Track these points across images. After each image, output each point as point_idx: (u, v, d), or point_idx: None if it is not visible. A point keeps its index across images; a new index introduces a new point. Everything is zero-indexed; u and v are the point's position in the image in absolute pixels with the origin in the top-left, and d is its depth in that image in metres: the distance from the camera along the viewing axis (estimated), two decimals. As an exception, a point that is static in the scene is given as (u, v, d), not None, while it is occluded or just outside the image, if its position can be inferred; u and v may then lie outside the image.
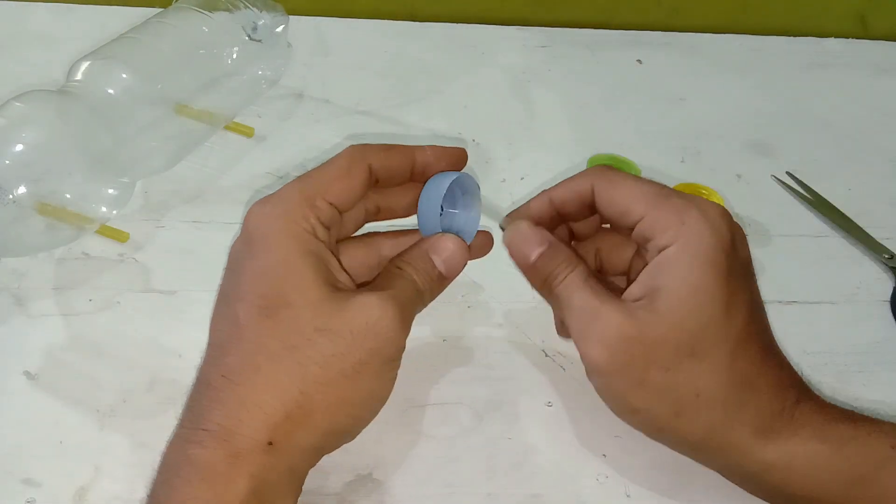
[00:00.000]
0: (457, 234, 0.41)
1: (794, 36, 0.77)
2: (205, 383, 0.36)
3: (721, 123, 0.67)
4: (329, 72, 0.68)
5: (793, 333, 0.49)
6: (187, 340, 0.46)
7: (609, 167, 0.41)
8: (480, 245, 0.43)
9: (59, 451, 0.41)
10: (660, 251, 0.37)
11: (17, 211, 0.46)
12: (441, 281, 0.40)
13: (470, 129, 0.63)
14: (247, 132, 0.59)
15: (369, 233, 0.43)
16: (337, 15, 0.74)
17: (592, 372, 0.38)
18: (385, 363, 0.37)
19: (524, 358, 0.47)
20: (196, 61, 0.56)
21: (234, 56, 0.58)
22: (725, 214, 0.38)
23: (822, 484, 0.37)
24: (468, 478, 0.42)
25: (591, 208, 0.41)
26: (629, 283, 0.39)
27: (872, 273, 0.55)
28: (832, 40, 0.77)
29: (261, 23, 0.59)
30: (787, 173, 0.62)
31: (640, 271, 0.38)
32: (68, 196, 0.48)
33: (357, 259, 0.41)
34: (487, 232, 0.43)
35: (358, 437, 0.38)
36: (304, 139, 0.61)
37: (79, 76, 0.51)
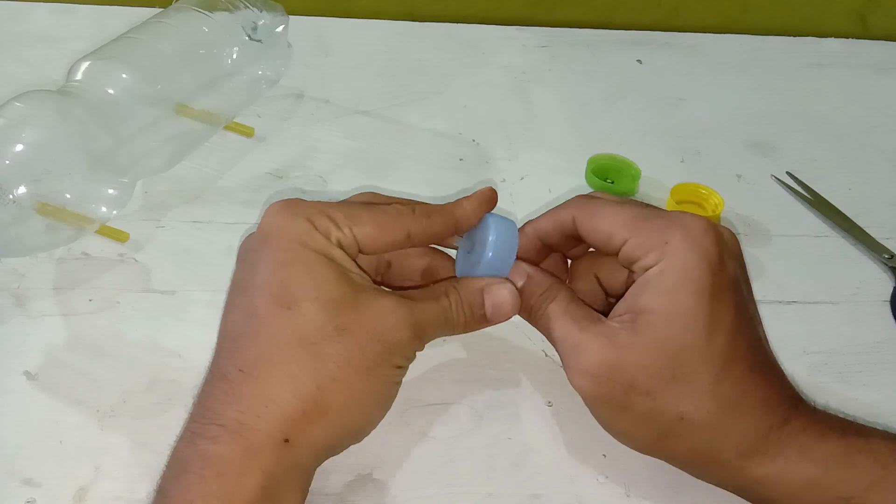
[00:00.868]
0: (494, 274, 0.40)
1: (794, 36, 0.77)
2: (220, 377, 0.35)
3: (721, 123, 0.67)
4: (329, 72, 0.68)
5: (793, 333, 0.49)
6: (187, 340, 0.46)
7: (589, 196, 0.41)
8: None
9: (59, 452, 0.41)
10: (645, 272, 0.37)
11: (17, 211, 0.46)
12: (482, 321, 0.40)
13: (470, 129, 0.63)
14: (247, 132, 0.59)
15: None
16: (337, 15, 0.74)
17: (581, 397, 0.39)
18: (391, 368, 0.37)
19: (524, 358, 0.47)
20: (196, 61, 0.56)
21: (235, 56, 0.58)
22: (711, 229, 0.38)
23: (811, 502, 0.37)
24: (468, 478, 0.42)
25: (576, 238, 0.41)
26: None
27: (872, 273, 0.55)
28: (832, 40, 0.77)
29: (261, 23, 0.59)
30: (787, 173, 0.62)
31: None
32: (68, 196, 0.48)
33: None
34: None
35: (358, 437, 0.38)
36: (304, 139, 0.61)
37: (79, 76, 0.51)
